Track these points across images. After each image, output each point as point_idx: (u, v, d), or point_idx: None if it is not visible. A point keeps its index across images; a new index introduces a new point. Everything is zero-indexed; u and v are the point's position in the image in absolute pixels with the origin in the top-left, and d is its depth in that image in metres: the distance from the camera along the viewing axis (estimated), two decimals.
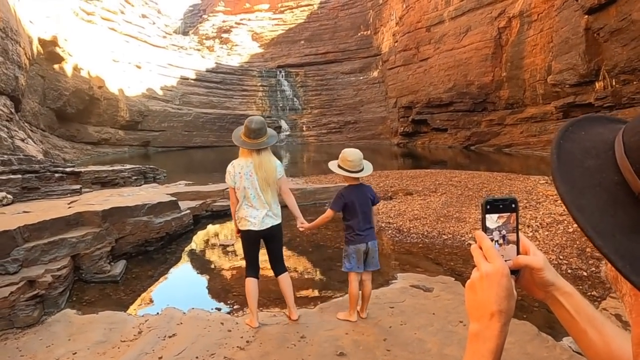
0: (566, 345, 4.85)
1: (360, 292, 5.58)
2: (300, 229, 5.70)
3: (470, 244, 9.08)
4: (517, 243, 1.05)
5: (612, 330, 1.05)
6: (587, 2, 22.58)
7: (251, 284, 5.49)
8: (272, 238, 5.61)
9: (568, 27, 27.27)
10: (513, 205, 1.04)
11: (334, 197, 5.63)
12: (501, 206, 1.04)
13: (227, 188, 13.02)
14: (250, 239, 5.51)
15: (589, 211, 0.72)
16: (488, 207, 1.04)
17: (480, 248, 1.03)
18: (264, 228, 5.45)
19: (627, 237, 0.68)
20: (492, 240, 1.03)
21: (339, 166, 5.56)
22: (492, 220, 1.04)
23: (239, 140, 5.49)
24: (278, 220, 5.60)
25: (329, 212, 5.53)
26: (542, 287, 1.08)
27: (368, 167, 5.64)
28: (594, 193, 0.74)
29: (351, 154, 5.52)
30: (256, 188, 5.40)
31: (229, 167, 5.48)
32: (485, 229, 1.04)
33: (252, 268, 5.57)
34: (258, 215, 5.42)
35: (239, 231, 5.58)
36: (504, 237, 1.04)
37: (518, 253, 1.05)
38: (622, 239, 0.68)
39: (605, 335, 1.03)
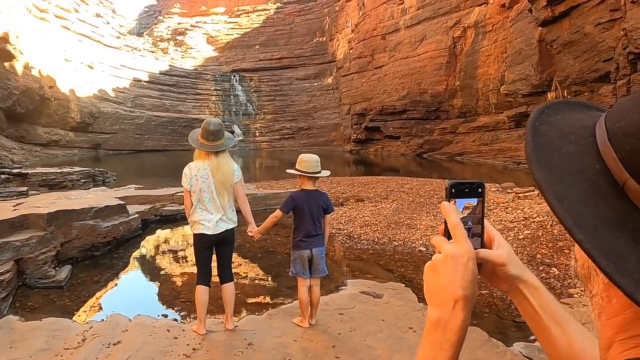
0: (517, 350, 4.92)
1: (309, 298, 5.55)
2: (249, 234, 5.67)
3: (420, 251, 9.18)
4: (481, 235, 0.98)
5: (577, 329, 1.00)
6: (542, 14, 23.20)
7: (201, 292, 5.40)
8: (224, 243, 5.54)
9: (522, 39, 27.97)
10: (479, 190, 0.98)
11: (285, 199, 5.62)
12: (467, 190, 0.97)
13: (177, 192, 13.01)
14: (203, 243, 5.43)
15: (569, 201, 0.68)
16: (453, 190, 0.97)
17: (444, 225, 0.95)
18: (218, 232, 5.37)
19: (610, 232, 0.64)
20: None
21: (295, 169, 5.55)
22: (457, 210, 0.96)
23: (196, 142, 5.40)
24: (232, 225, 5.54)
25: (277, 212, 5.51)
26: (506, 280, 1.01)
27: (324, 173, 5.64)
28: (574, 181, 0.70)
29: (307, 156, 5.55)
30: (212, 191, 5.32)
31: (186, 170, 5.38)
32: None
33: (204, 275, 5.48)
34: (212, 219, 5.34)
35: None
36: (469, 229, 0.96)
37: (482, 245, 0.98)
38: (605, 234, 0.64)
39: (569, 334, 0.98)
